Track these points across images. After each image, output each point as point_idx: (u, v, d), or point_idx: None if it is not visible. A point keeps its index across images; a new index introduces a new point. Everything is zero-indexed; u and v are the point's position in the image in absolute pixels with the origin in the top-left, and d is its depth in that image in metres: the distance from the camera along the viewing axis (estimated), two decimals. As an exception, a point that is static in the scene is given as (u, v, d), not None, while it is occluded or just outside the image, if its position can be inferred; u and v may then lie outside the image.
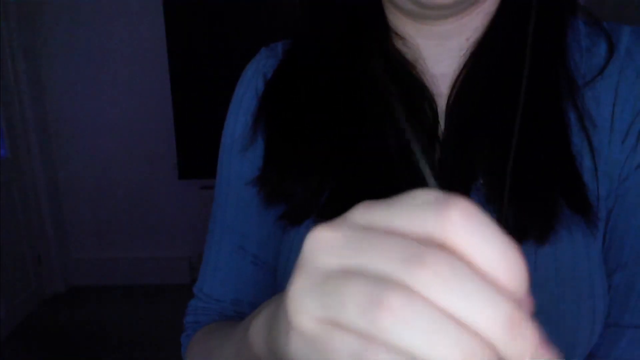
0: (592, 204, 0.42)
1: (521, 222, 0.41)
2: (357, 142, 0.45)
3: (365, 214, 0.20)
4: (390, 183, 0.44)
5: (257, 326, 0.30)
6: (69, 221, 2.83)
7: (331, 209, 0.45)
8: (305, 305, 0.20)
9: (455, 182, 0.44)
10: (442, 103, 0.46)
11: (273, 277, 0.53)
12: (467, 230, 0.18)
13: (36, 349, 2.31)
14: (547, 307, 0.42)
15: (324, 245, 0.20)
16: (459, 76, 0.46)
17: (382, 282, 0.18)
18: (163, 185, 2.74)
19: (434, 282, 0.17)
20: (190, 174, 2.66)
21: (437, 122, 0.45)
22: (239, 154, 0.52)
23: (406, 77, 0.46)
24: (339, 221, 0.21)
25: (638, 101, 0.43)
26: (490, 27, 0.46)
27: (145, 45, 2.62)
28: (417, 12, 0.43)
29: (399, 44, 0.47)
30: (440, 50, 0.46)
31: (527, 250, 0.42)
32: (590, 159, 0.43)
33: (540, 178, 0.42)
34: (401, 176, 0.44)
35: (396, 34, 0.47)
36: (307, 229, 0.44)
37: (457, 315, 0.17)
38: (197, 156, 2.62)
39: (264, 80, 0.51)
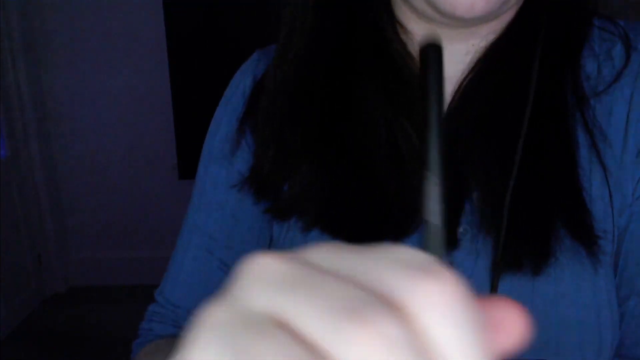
0: (594, 234, 0.39)
1: (517, 252, 0.39)
2: (349, 137, 0.44)
3: (328, 253, 0.16)
4: (380, 181, 0.43)
5: None
6: (69, 221, 2.83)
7: (320, 204, 0.43)
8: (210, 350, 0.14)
9: (448, 192, 0.43)
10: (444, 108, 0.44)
11: None
12: (433, 305, 0.14)
13: (36, 349, 2.30)
14: (547, 336, 0.40)
15: (261, 277, 0.15)
16: (462, 82, 0.43)
17: (299, 344, 0.13)
18: (163, 185, 2.74)
19: (365, 343, 0.13)
20: (190, 174, 2.64)
21: None
22: (218, 159, 0.51)
23: (404, 71, 0.44)
24: (293, 255, 0.16)
25: None
26: (501, 35, 0.44)
27: (145, 45, 2.61)
28: (430, 15, 0.40)
29: (403, 37, 0.45)
30: (444, 52, 0.45)
31: (525, 278, 0.39)
32: (600, 178, 0.40)
33: (540, 203, 0.40)
34: (391, 175, 0.42)
35: (402, 26, 0.45)
36: (310, 238, 0.44)
37: None
38: (197, 156, 2.60)
39: (254, 82, 0.50)
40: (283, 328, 0.14)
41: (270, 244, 0.50)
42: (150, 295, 0.57)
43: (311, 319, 0.14)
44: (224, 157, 0.50)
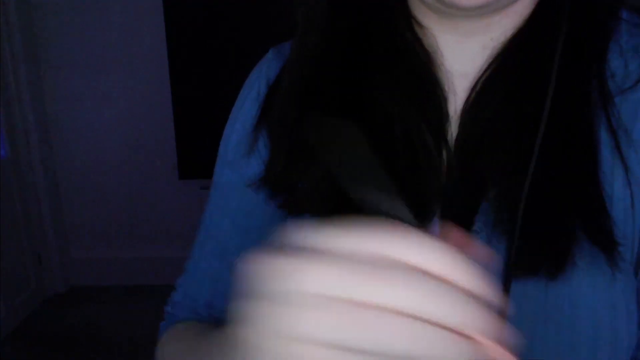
0: (614, 240, 0.38)
1: (532, 256, 0.38)
2: (366, 135, 0.44)
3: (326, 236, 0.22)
4: (393, 179, 0.43)
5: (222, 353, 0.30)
6: (69, 221, 2.83)
7: (332, 202, 0.43)
8: (271, 326, 0.21)
9: (463, 190, 0.41)
10: (456, 103, 0.43)
11: None
12: (422, 249, 0.20)
13: (36, 349, 2.30)
14: (560, 340, 0.39)
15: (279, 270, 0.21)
16: (480, 77, 0.42)
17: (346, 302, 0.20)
18: (163, 185, 2.74)
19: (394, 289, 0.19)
20: (190, 174, 2.66)
21: (446, 121, 0.43)
22: (232, 163, 0.51)
23: (419, 68, 0.43)
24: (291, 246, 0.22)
25: None
26: (521, 29, 0.42)
27: (145, 45, 2.61)
28: (439, 8, 0.40)
29: (418, 32, 0.44)
30: (460, 47, 0.43)
31: (539, 282, 0.38)
32: (623, 180, 0.39)
33: (559, 206, 0.38)
34: (404, 173, 0.42)
35: (417, 22, 0.44)
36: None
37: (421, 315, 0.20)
38: (197, 156, 2.61)
39: (267, 84, 0.50)
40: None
41: None
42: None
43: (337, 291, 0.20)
44: (238, 160, 0.50)
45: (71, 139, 2.72)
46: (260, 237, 0.48)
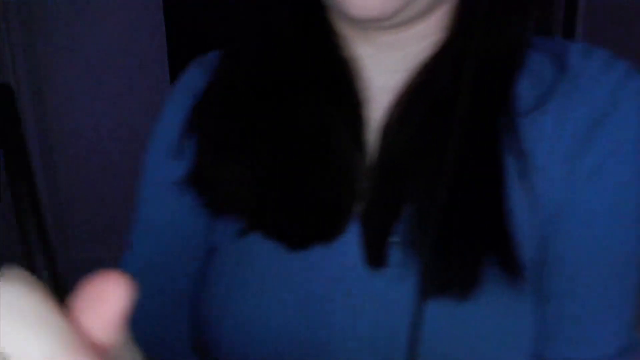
0: (518, 262, 0.40)
1: (442, 276, 0.40)
2: (286, 137, 0.44)
3: None
4: (316, 182, 0.44)
5: None
6: (68, 221, 2.83)
7: (254, 202, 0.44)
8: None
9: (383, 199, 0.43)
10: (375, 113, 0.45)
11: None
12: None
13: (36, 349, 2.30)
14: (465, 357, 0.41)
15: None
16: (401, 93, 0.44)
17: None
18: (163, 185, 2.74)
19: None
20: (190, 174, 2.66)
21: (364, 128, 0.44)
22: (156, 169, 0.52)
23: (337, 75, 0.45)
24: None
25: (581, 127, 0.42)
26: (437, 49, 0.44)
27: (145, 45, 2.61)
28: (341, 16, 0.41)
29: (337, 41, 0.45)
30: (378, 60, 0.45)
31: (448, 303, 0.40)
32: (527, 206, 0.41)
33: (468, 228, 0.40)
34: (324, 175, 0.43)
35: (336, 32, 0.45)
36: (247, 242, 0.45)
37: None
38: (197, 156, 2.61)
39: (193, 94, 0.50)
40: None
41: (210, 253, 0.51)
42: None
43: None
44: (164, 166, 0.51)
45: (71, 139, 2.72)
46: (185, 243, 0.50)
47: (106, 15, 2.58)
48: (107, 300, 0.16)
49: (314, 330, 0.44)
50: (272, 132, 0.45)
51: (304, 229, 0.44)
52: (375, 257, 0.43)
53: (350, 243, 0.44)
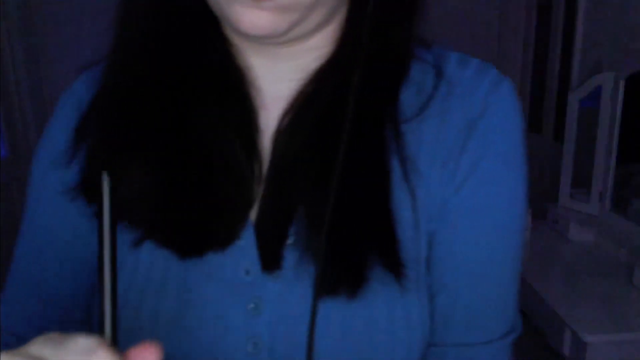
0: (402, 263, 0.43)
1: (333, 277, 0.42)
2: (179, 144, 0.44)
3: (40, 345, 0.24)
4: (210, 189, 0.44)
5: None
6: (69, 221, 2.83)
7: (149, 209, 0.44)
8: None
9: (277, 204, 0.44)
10: (269, 121, 0.46)
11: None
12: None
13: (36, 349, 2.30)
14: (358, 356, 0.44)
15: None
16: (292, 102, 0.45)
17: None
18: (163, 185, 2.74)
19: None
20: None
21: (257, 136, 0.45)
22: (45, 179, 0.50)
23: (231, 84, 0.45)
24: (20, 350, 0.24)
25: (458, 130, 0.45)
26: (326, 61, 0.45)
27: (145, 45, 2.61)
28: (236, 32, 0.42)
29: (231, 51, 0.46)
30: (271, 70, 0.46)
31: (342, 301, 0.42)
32: (411, 206, 0.44)
33: (356, 231, 0.42)
34: (219, 180, 0.44)
35: (229, 41, 0.46)
36: (149, 255, 0.45)
37: None
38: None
39: (79, 105, 0.50)
40: None
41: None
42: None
43: None
44: (53, 176, 0.49)
45: (71, 139, 2.72)
46: (75, 257, 0.49)
47: (107, 16, 2.57)
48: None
49: (212, 334, 0.45)
50: (165, 140, 0.44)
51: (198, 236, 0.44)
52: (270, 260, 0.44)
53: (245, 248, 0.44)
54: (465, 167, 0.45)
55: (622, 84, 1.72)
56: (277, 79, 0.46)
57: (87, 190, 0.46)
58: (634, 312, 1.37)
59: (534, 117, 2.68)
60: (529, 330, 1.93)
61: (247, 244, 0.44)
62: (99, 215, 0.28)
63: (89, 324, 0.51)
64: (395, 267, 0.43)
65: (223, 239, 0.44)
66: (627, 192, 1.78)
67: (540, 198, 2.39)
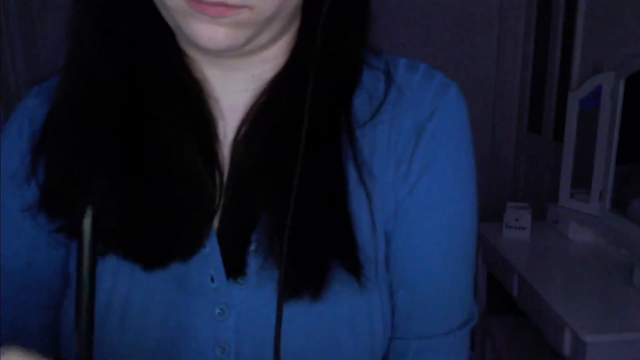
0: (360, 264, 0.45)
1: (295, 280, 0.43)
2: (140, 156, 0.44)
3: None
4: (172, 200, 0.44)
5: None
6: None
7: (111, 221, 0.44)
8: None
9: (238, 211, 0.45)
10: (226, 130, 0.47)
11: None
12: None
13: (36, 349, 2.30)
14: (324, 355, 0.45)
15: None
16: (248, 112, 0.46)
17: None
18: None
19: None
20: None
21: (216, 145, 0.46)
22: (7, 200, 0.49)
23: (188, 96, 0.46)
24: None
25: (409, 133, 0.47)
26: (280, 70, 0.47)
27: (145, 45, 2.61)
28: (191, 43, 0.42)
29: (187, 63, 0.46)
30: (227, 81, 0.47)
31: (305, 304, 0.44)
32: (367, 209, 0.46)
33: (315, 235, 0.44)
34: (180, 190, 0.44)
35: (185, 53, 0.46)
36: (105, 263, 0.45)
37: None
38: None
39: (30, 120, 0.50)
40: None
41: (69, 280, 0.50)
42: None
43: None
44: (10, 195, 0.49)
45: (71, 139, 2.72)
46: (38, 276, 0.48)
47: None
48: None
49: (178, 342, 0.45)
50: (124, 154, 0.44)
51: (162, 248, 0.45)
52: (234, 267, 0.45)
53: (210, 256, 0.45)
54: (417, 169, 0.47)
55: (622, 84, 1.72)
56: (233, 90, 0.47)
57: (48, 208, 0.46)
58: (634, 312, 1.37)
59: (534, 117, 2.68)
60: (529, 330, 1.93)
61: (211, 251, 0.45)
62: (79, 250, 0.28)
63: (55, 332, 0.50)
64: (355, 268, 0.45)
65: (187, 249, 0.45)
66: (627, 192, 1.78)
67: (540, 198, 2.39)
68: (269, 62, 0.46)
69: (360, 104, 0.47)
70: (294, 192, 0.41)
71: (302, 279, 0.43)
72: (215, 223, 0.46)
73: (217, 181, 0.46)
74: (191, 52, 0.46)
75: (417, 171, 0.47)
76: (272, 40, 0.44)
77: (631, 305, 1.41)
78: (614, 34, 1.88)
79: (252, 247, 0.45)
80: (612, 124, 1.76)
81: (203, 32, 0.38)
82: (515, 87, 2.85)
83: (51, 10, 2.58)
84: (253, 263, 0.45)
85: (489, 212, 2.93)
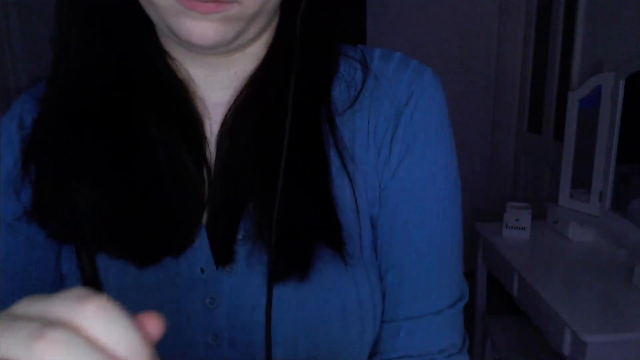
0: (344, 244, 0.46)
1: (283, 263, 0.44)
2: (128, 159, 0.45)
3: (25, 305, 0.23)
4: (162, 198, 0.45)
5: None
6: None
7: (101, 225, 0.44)
8: None
9: (225, 204, 0.46)
10: (212, 127, 0.48)
11: None
12: (94, 317, 0.21)
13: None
14: (314, 335, 0.46)
15: None
16: (231, 107, 0.48)
17: None
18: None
19: (48, 350, 0.20)
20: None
21: (203, 142, 0.47)
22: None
23: (174, 95, 0.47)
24: (7, 312, 0.23)
25: (388, 119, 0.49)
26: (260, 65, 0.48)
27: (145, 45, 2.61)
28: (179, 42, 0.43)
29: (171, 64, 0.47)
30: (210, 79, 0.48)
31: (294, 285, 0.45)
32: (349, 191, 0.47)
33: (302, 219, 0.45)
34: (170, 186, 0.45)
35: (169, 55, 0.47)
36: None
37: None
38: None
39: (20, 124, 0.50)
40: None
41: (60, 282, 0.50)
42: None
43: (11, 348, 0.20)
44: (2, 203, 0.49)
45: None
46: (31, 281, 0.48)
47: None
48: (146, 325, 0.24)
49: (170, 334, 0.45)
50: (114, 154, 0.45)
51: (155, 245, 0.46)
52: (223, 257, 0.46)
53: (199, 248, 0.46)
54: (397, 153, 0.49)
55: (622, 84, 1.72)
56: (217, 87, 0.48)
57: (39, 214, 0.46)
58: (633, 312, 1.37)
59: (534, 117, 2.68)
60: (529, 330, 1.93)
61: (200, 244, 0.46)
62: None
63: None
64: (340, 248, 0.46)
65: (179, 244, 0.46)
66: (627, 192, 1.78)
67: (540, 198, 2.39)
68: (250, 57, 0.48)
69: (339, 93, 0.49)
70: (281, 180, 0.43)
71: (290, 260, 0.44)
72: (204, 216, 0.47)
73: (206, 177, 0.47)
74: (175, 53, 0.47)
75: (397, 155, 0.49)
76: (256, 36, 0.45)
77: (631, 305, 1.41)
78: (614, 34, 1.88)
79: (239, 236, 0.46)
80: (612, 124, 1.76)
81: (194, 29, 0.39)
82: (515, 87, 2.85)
83: (51, 10, 2.58)
84: (241, 251, 0.46)
85: (489, 212, 2.93)
